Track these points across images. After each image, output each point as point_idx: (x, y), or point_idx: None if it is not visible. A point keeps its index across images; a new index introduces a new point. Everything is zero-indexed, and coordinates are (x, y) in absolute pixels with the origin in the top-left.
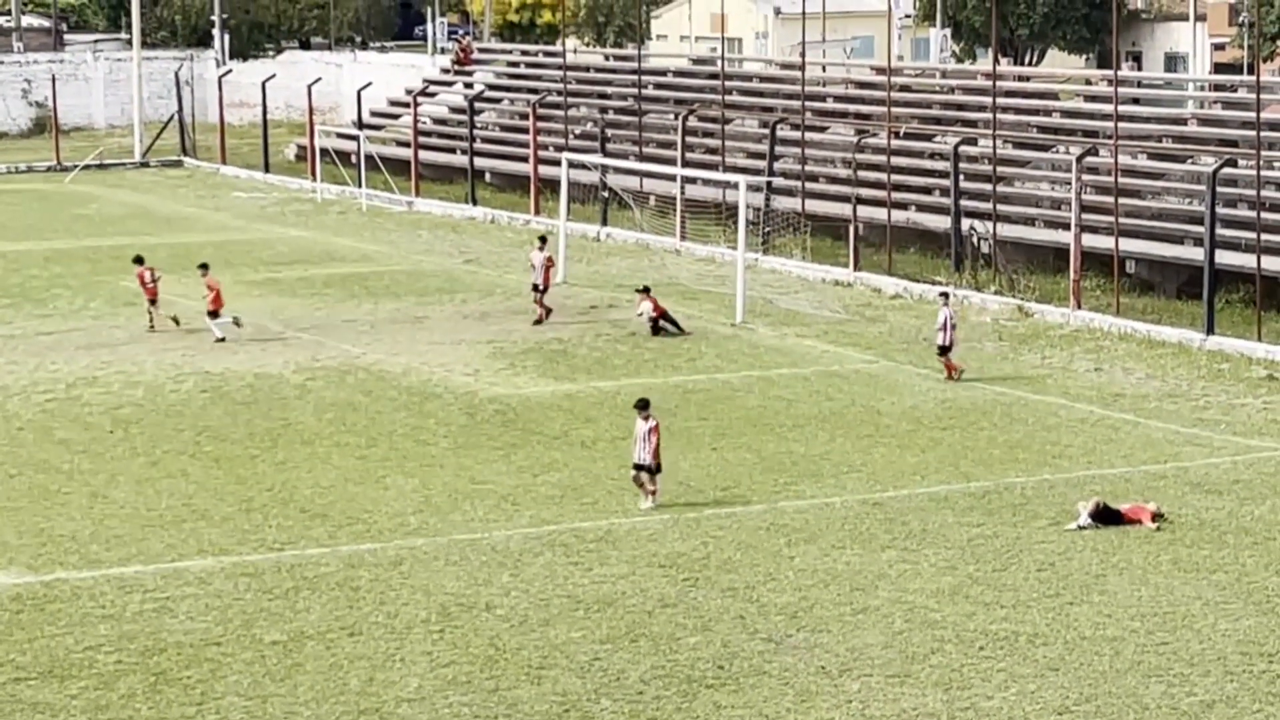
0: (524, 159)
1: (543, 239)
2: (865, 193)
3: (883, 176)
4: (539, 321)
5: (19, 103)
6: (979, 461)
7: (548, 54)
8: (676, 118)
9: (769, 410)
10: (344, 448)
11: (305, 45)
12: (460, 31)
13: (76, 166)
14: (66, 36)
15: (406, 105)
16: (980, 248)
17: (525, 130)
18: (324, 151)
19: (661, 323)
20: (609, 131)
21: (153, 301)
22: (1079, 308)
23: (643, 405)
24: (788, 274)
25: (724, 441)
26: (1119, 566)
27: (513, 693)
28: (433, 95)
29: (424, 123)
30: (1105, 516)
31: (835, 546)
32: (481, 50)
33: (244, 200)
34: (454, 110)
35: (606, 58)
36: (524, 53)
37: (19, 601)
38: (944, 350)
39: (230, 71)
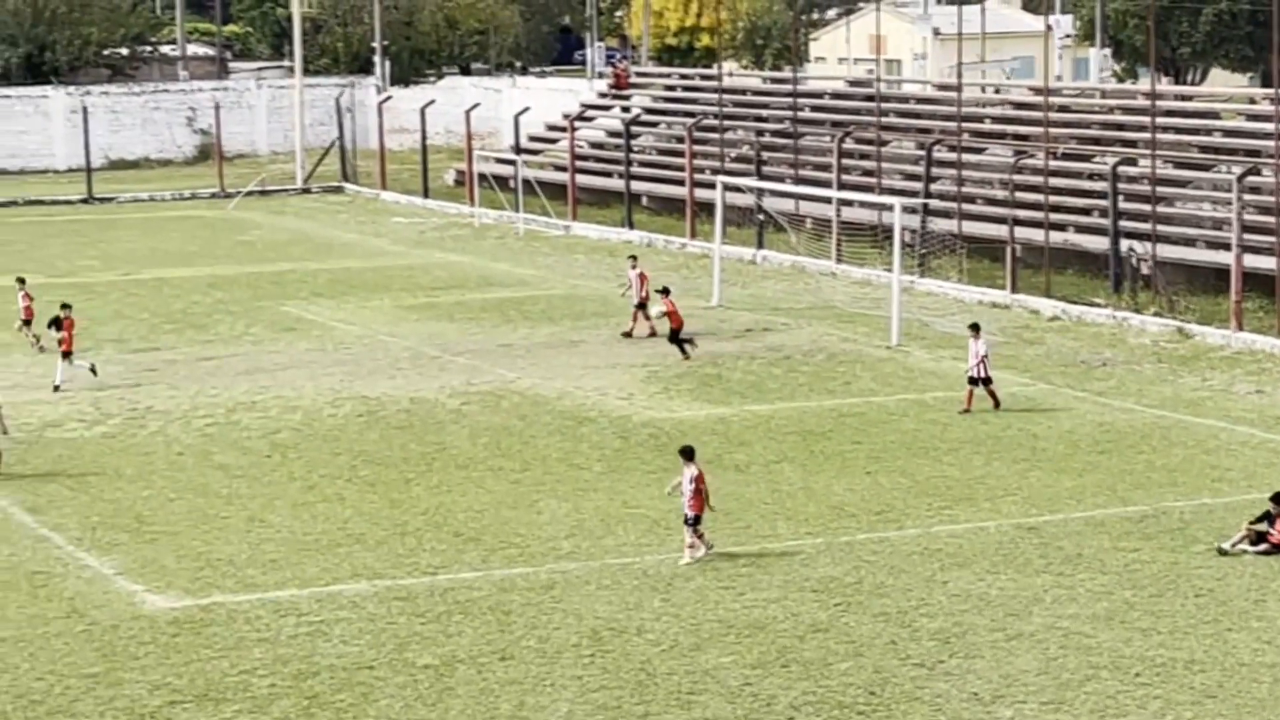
0: (680, 182)
1: (634, 257)
2: (1023, 214)
3: (1040, 197)
4: (629, 334)
5: (184, 130)
6: (1136, 485)
7: (705, 77)
8: (833, 140)
9: (924, 434)
10: (498, 472)
11: (465, 71)
12: (618, 56)
13: (239, 193)
14: (231, 65)
15: (564, 130)
16: (1140, 269)
17: (682, 154)
18: (482, 176)
19: (680, 337)
20: (765, 154)
21: (26, 322)
22: (1240, 329)
23: (686, 454)
24: (944, 296)
25: (878, 465)
26: (1278, 592)
27: (663, 718)
28: (590, 120)
29: (581, 147)
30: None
31: (989, 571)
32: (639, 74)
33: (403, 225)
34: (611, 134)
35: (764, 80)
36: (681, 76)
37: (176, 625)
38: (974, 381)
39: (390, 98)
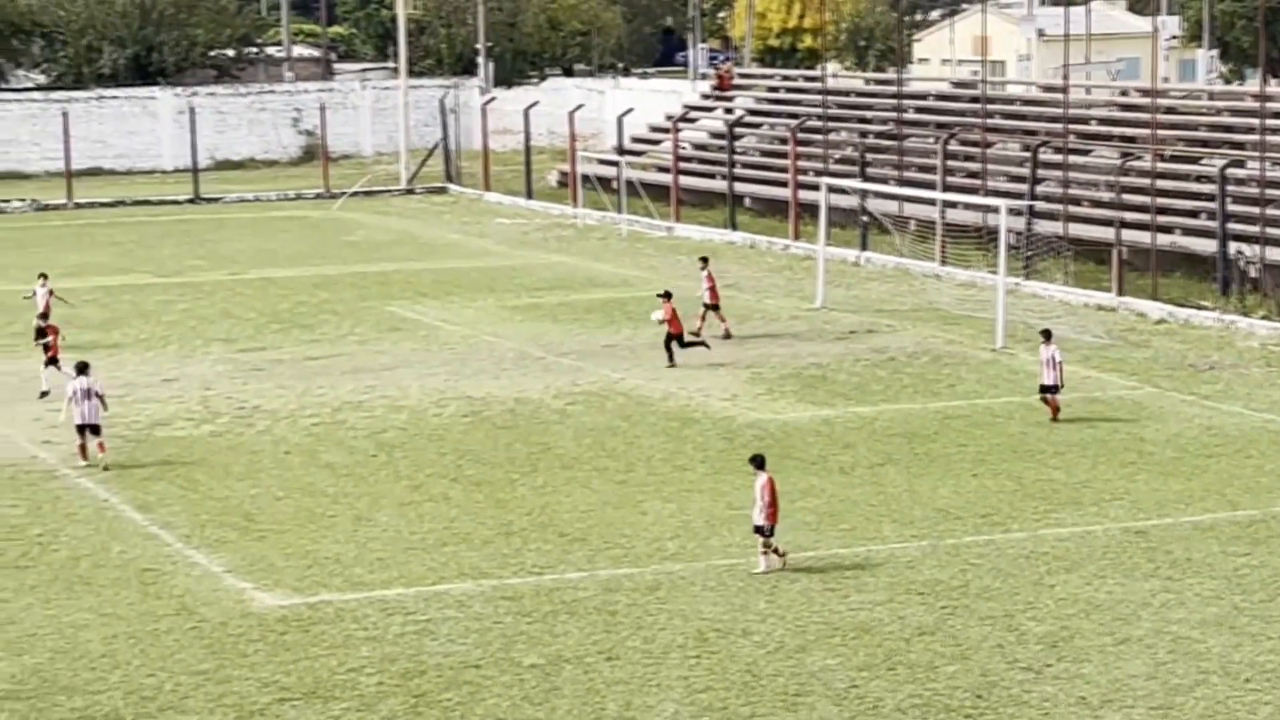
0: (783, 184)
1: (705, 258)
2: (1129, 216)
3: (1147, 200)
4: (697, 333)
5: (289, 131)
6: (1246, 489)
7: (808, 79)
8: (937, 141)
9: (1030, 437)
10: (603, 472)
11: (568, 72)
12: (721, 57)
13: (344, 194)
14: (335, 66)
15: (667, 131)
16: (1247, 271)
17: (785, 155)
18: (585, 178)
19: (673, 343)
20: (869, 156)
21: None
22: None
23: (757, 462)
24: (1049, 299)
25: (983, 468)
26: None
27: None
28: (693, 121)
29: (684, 148)
30: None
31: (1097, 575)
32: (742, 76)
33: (506, 226)
34: (714, 135)
35: (867, 82)
36: (784, 78)
37: (284, 623)
38: (1047, 389)
39: (494, 99)
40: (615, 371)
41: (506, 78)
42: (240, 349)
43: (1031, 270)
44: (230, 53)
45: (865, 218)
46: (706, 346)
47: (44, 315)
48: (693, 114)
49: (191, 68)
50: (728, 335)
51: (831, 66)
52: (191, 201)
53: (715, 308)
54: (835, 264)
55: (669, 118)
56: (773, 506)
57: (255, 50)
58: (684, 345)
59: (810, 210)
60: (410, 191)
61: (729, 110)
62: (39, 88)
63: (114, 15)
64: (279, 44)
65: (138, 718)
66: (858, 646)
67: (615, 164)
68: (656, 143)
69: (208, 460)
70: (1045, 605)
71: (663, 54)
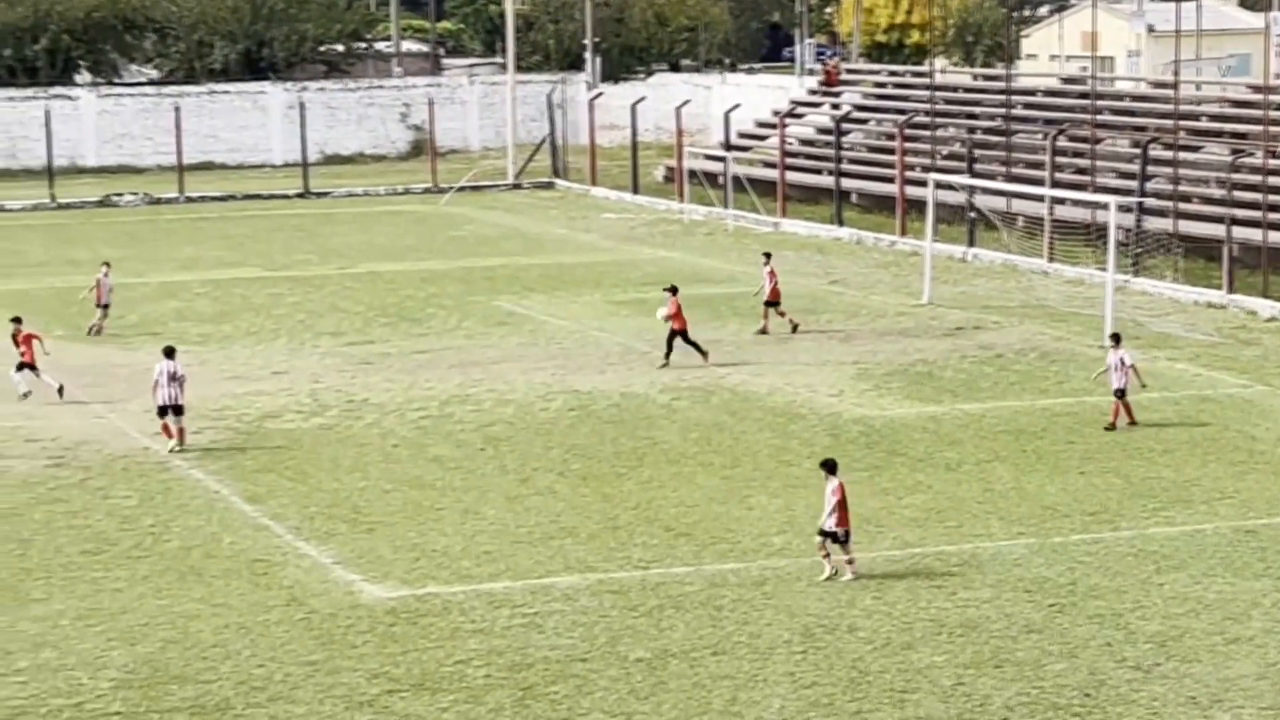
0: (890, 180)
1: (768, 254)
2: (1240, 213)
3: (1259, 196)
4: (764, 331)
5: (398, 126)
6: None
7: (916, 74)
8: (1045, 137)
9: (1138, 434)
10: (709, 467)
11: (675, 68)
12: (828, 53)
13: (452, 188)
14: (444, 61)
15: (774, 126)
16: None
17: (892, 151)
18: (692, 173)
19: (677, 340)
20: (976, 151)
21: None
22: None
23: (828, 466)
24: (1159, 296)
25: (1091, 465)
26: None
27: (875, 716)
28: (800, 116)
29: (791, 144)
30: None
31: (1206, 574)
32: (849, 71)
33: (613, 221)
34: (821, 131)
35: (975, 77)
36: (892, 73)
37: (393, 615)
38: (1121, 394)
39: (601, 94)
40: (721, 367)
41: (613, 73)
42: (349, 342)
43: (1140, 267)
44: (340, 48)
45: (973, 214)
46: (704, 355)
47: (104, 306)
48: (800, 109)
49: (302, 63)
50: (795, 328)
51: (939, 62)
52: (301, 196)
53: (775, 304)
54: (942, 260)
55: (776, 113)
56: (843, 511)
57: (365, 46)
58: (686, 343)
59: (917, 206)
60: (517, 186)
61: (836, 106)
62: (151, 83)
63: (225, 10)
64: (388, 39)
65: (248, 707)
66: (964, 644)
67: (722, 159)
68: (763, 138)
69: (317, 453)
70: (1154, 604)
71: (770, 49)
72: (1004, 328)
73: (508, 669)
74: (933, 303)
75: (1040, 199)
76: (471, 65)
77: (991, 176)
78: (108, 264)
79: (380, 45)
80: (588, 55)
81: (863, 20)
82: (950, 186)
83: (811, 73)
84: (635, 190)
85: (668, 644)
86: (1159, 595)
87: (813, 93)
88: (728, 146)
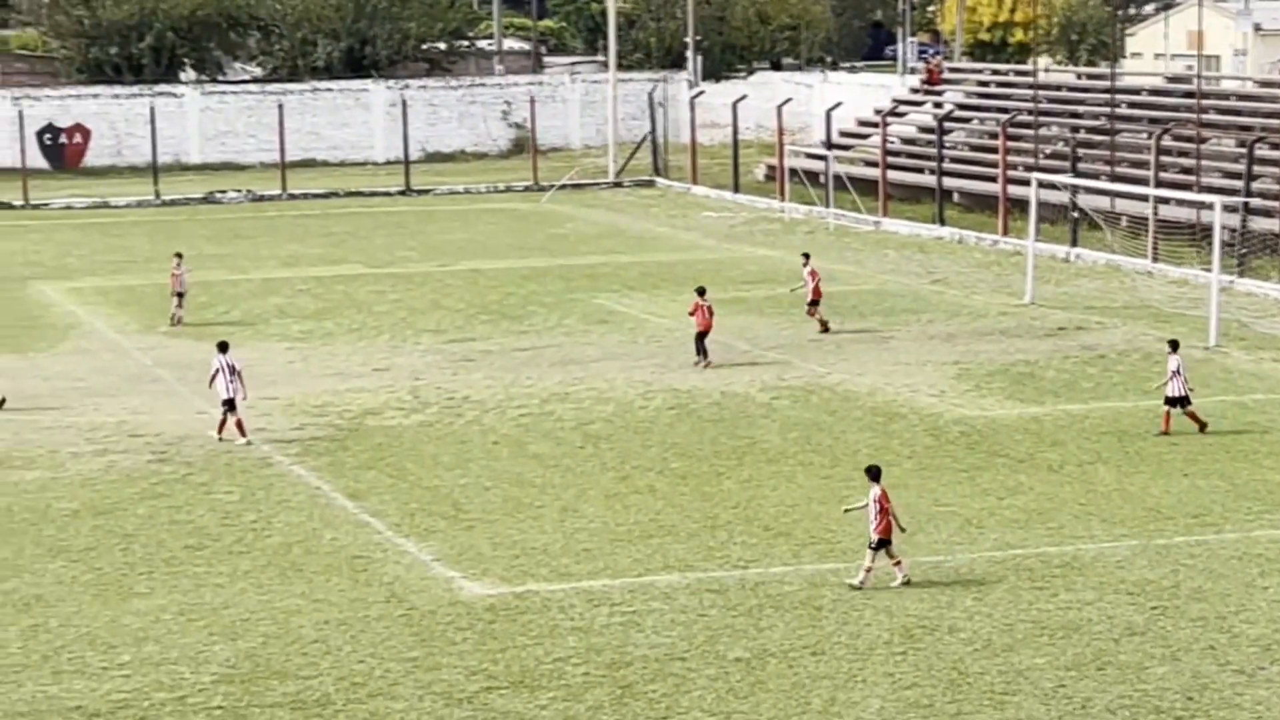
0: (993, 179)
1: (806, 255)
2: None
3: None
4: (825, 329)
5: (499, 124)
6: None
7: (1019, 73)
8: (1150, 137)
9: (1243, 437)
10: (808, 467)
11: (776, 66)
12: (930, 51)
13: (553, 186)
14: (545, 59)
15: (875, 125)
16: None
17: (994, 150)
18: (793, 171)
19: (814, 310)
20: (1080, 151)
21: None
22: None
23: (871, 473)
24: (1264, 297)
25: (1195, 468)
26: None
27: (975, 718)
28: (902, 115)
29: (892, 142)
30: None
31: None
32: (951, 70)
33: (713, 220)
34: (923, 130)
35: (1079, 76)
36: (994, 72)
37: (492, 612)
38: (1172, 401)
39: (702, 92)
40: (821, 366)
41: (715, 71)
42: (450, 340)
43: (1246, 268)
44: (442, 46)
45: (1076, 213)
46: (705, 361)
47: (179, 294)
48: (902, 108)
49: (404, 61)
50: (825, 329)
51: (1043, 61)
52: (402, 193)
53: (815, 303)
54: (1045, 260)
55: (877, 112)
56: (885, 518)
57: (467, 44)
58: (699, 344)
59: (1019, 205)
60: (618, 184)
61: (938, 104)
62: (255, 80)
63: (329, 9)
64: (490, 37)
65: (348, 703)
66: (1066, 646)
67: (823, 158)
68: (864, 137)
69: (418, 449)
70: (1258, 607)
71: (872, 48)
72: (1107, 328)
73: (606, 667)
74: (1035, 303)
75: (1144, 199)
76: (573, 63)
77: (1095, 176)
78: (179, 254)
79: (482, 43)
80: (689, 53)
81: (965, 18)
82: (1053, 186)
83: (914, 71)
84: (736, 189)
85: (766, 643)
86: (1263, 599)
87: (915, 91)
88: (829, 145)
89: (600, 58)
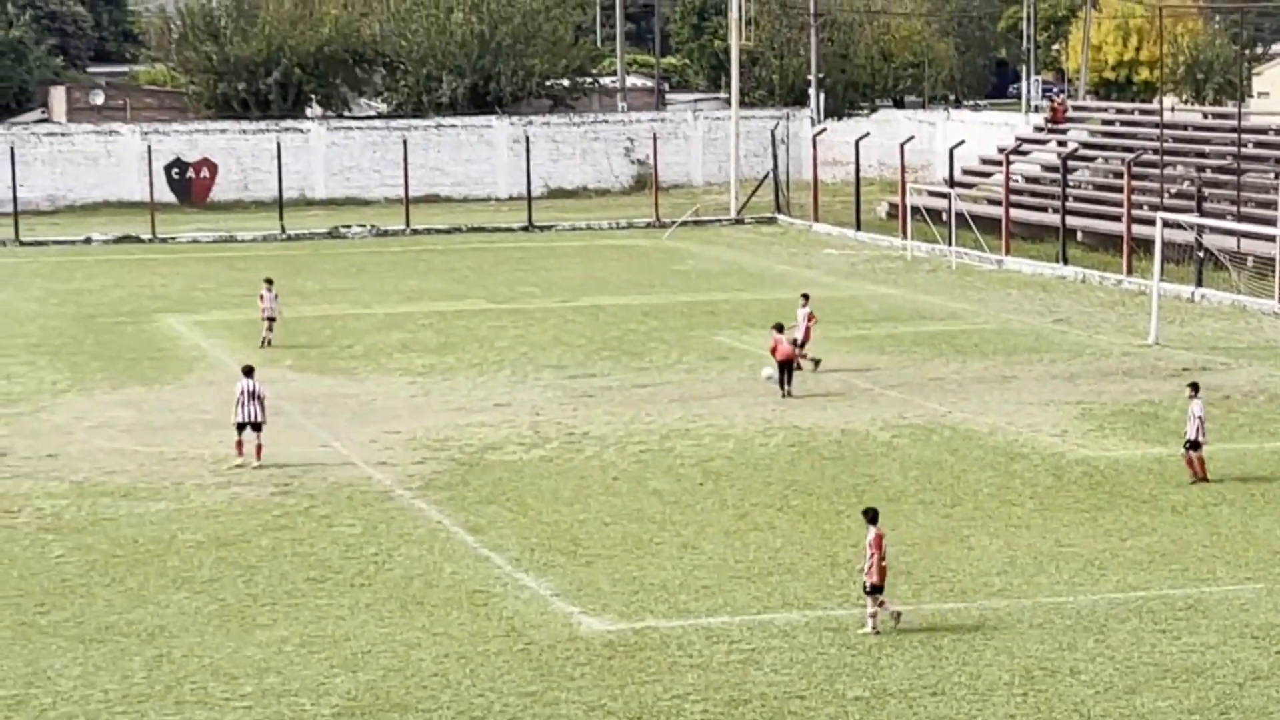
0: (1117, 218)
1: (805, 296)
2: None
3: None
4: (816, 364)
5: (621, 160)
6: None
7: (1144, 112)
8: (1277, 176)
9: None
10: (928, 505)
11: (899, 104)
12: (1055, 89)
13: (674, 223)
14: (668, 96)
15: (999, 163)
16: None
17: (1119, 189)
18: (915, 209)
19: (790, 371)
20: (1206, 190)
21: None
22: None
23: (868, 515)
24: None
25: None
26: None
27: None
28: (1026, 153)
29: (1016, 181)
30: None
31: None
32: (1076, 108)
33: (835, 257)
34: (1046, 168)
35: (1205, 115)
36: (1119, 110)
37: (611, 648)
38: (1193, 446)
39: (825, 130)
40: (942, 405)
41: (837, 109)
42: (570, 375)
43: None
44: (565, 83)
45: (1201, 253)
46: (788, 390)
47: (268, 319)
48: (1025, 146)
49: (527, 97)
50: (816, 365)
51: (1168, 99)
52: (525, 229)
53: (802, 345)
54: (1169, 300)
55: (1001, 150)
56: (878, 562)
57: (590, 80)
58: (790, 375)
59: (1144, 245)
60: (739, 221)
61: (1062, 143)
62: (380, 116)
63: (454, 45)
64: (613, 74)
65: None
66: (1189, 690)
67: (945, 196)
68: (988, 175)
69: (537, 484)
70: None
71: (996, 86)
72: (1232, 369)
73: (725, 704)
74: (1159, 343)
75: (1271, 239)
76: (695, 100)
77: (1221, 215)
78: (269, 280)
79: (605, 80)
80: (812, 90)
81: (1090, 57)
82: (1178, 225)
83: (1038, 109)
84: (858, 226)
85: (886, 683)
86: None
87: (1039, 129)
88: (952, 183)
89: (723, 94)
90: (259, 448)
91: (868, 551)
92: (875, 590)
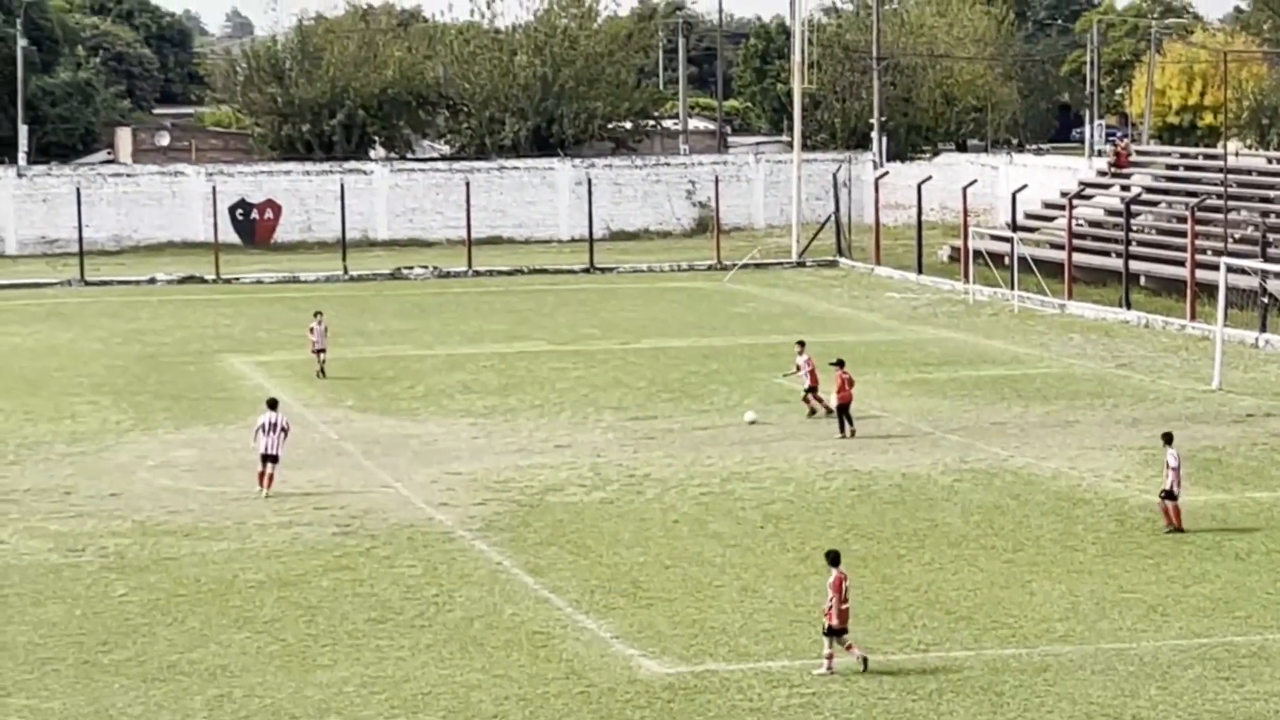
0: (1180, 263)
1: (801, 343)
2: None
3: None
4: (812, 413)
5: (683, 203)
6: None
7: (1208, 156)
8: None
9: None
10: (990, 550)
11: (961, 147)
12: (1118, 134)
13: (735, 265)
14: (730, 139)
15: (1061, 207)
16: None
17: (1183, 234)
18: (977, 253)
19: (846, 412)
20: (1270, 235)
21: (318, 352)
22: None
23: (829, 557)
24: None
25: None
26: None
27: None
28: (1089, 198)
29: (1079, 225)
30: None
31: None
32: (1139, 153)
33: (896, 301)
34: (1110, 213)
35: (1269, 160)
36: (1183, 155)
37: (671, 690)
38: (1168, 495)
39: (887, 173)
40: (1004, 449)
41: (900, 152)
42: (631, 417)
43: None
44: (628, 125)
45: (1266, 299)
46: (851, 430)
47: (317, 351)
48: (1088, 190)
49: (590, 140)
50: (827, 412)
51: (1233, 144)
52: (586, 271)
53: (813, 389)
54: (1233, 345)
55: (1064, 194)
56: (838, 605)
57: (652, 123)
58: (841, 413)
59: (1208, 290)
60: (801, 264)
61: (1126, 188)
62: (443, 158)
63: (517, 88)
64: (675, 117)
65: None
66: None
67: (1008, 240)
68: (1050, 219)
69: (598, 526)
70: None
71: (1059, 130)
72: None
73: None
74: (1223, 389)
75: None
76: (758, 143)
77: None
78: (318, 313)
79: (668, 123)
80: (874, 134)
81: (1154, 101)
82: (1243, 270)
83: (1101, 154)
84: (919, 270)
85: None
86: None
87: (1102, 174)
88: (1014, 227)
89: (785, 138)
90: (271, 478)
91: (829, 594)
92: (834, 633)
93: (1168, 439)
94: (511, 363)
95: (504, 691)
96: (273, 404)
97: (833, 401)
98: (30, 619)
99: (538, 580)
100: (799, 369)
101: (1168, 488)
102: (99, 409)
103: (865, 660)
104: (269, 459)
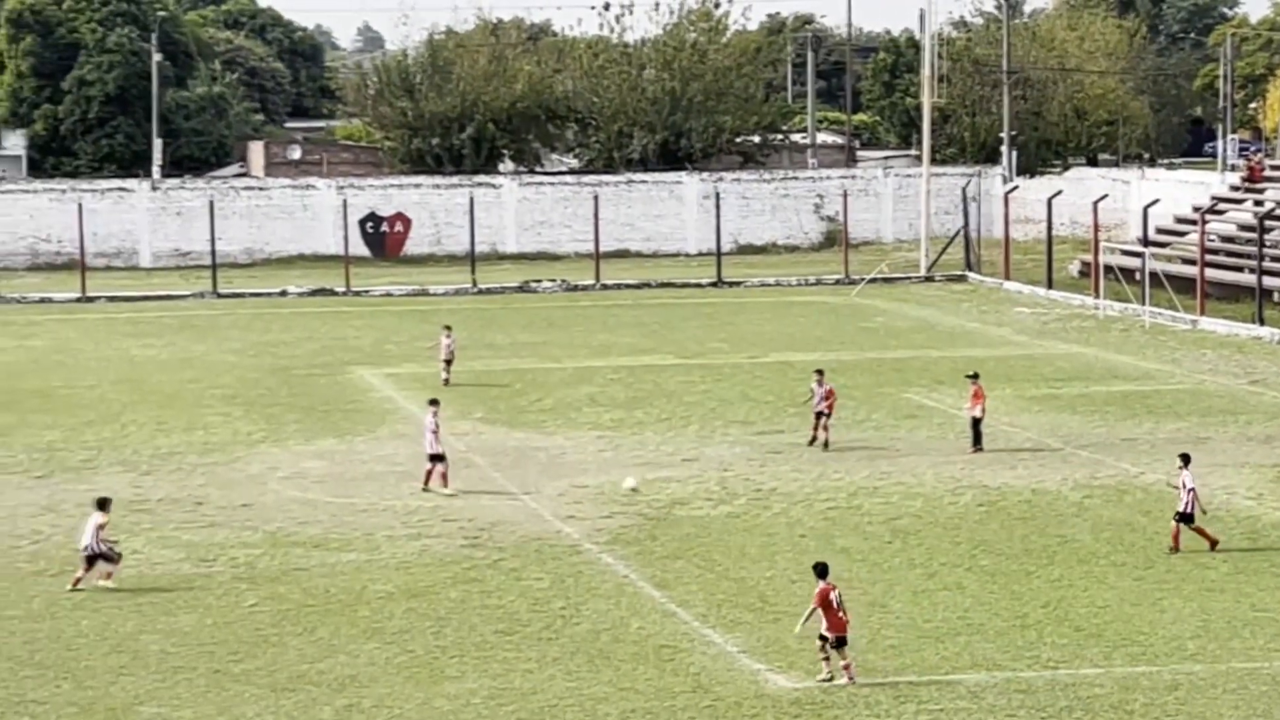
0: None
1: (820, 372)
2: None
3: None
4: (813, 441)
5: (811, 217)
6: None
7: None
8: None
9: None
10: (1120, 567)
11: (1092, 162)
12: (1252, 148)
13: (863, 280)
14: (859, 153)
15: (1193, 222)
16: None
17: None
18: (1107, 268)
19: (979, 426)
20: None
21: (447, 362)
22: None
23: (817, 570)
24: None
25: None
26: None
27: None
28: (1221, 213)
29: (1211, 240)
30: None
31: None
32: (1273, 167)
33: (1025, 316)
34: (1243, 228)
35: None
36: None
37: (798, 705)
38: (1184, 518)
39: (1016, 188)
40: (1135, 465)
41: (1030, 166)
42: (758, 431)
43: None
44: (756, 139)
45: None
46: (978, 447)
47: (445, 361)
48: (1221, 205)
49: (718, 153)
50: (816, 442)
51: None
52: (714, 285)
53: (822, 415)
54: None
55: (1196, 209)
56: (831, 616)
57: (780, 137)
58: (974, 427)
59: None
60: (929, 279)
61: (1259, 202)
62: (571, 171)
63: (645, 102)
64: (804, 131)
65: None
66: None
67: (1139, 255)
68: (1182, 234)
69: (725, 540)
70: None
71: (1191, 144)
72: None
73: None
74: None
75: None
76: (886, 157)
77: None
78: (448, 326)
79: (796, 137)
80: (1004, 148)
81: None
82: None
83: (1234, 168)
84: (1049, 285)
85: None
86: None
87: (1235, 189)
88: (1145, 242)
89: (914, 152)
90: (444, 475)
91: (811, 606)
92: (836, 643)
93: (1185, 460)
94: (639, 376)
95: (630, 705)
96: (433, 402)
97: (974, 412)
98: (162, 628)
99: (664, 594)
100: (814, 395)
101: (1182, 509)
102: (230, 420)
103: (830, 679)
104: (436, 459)
